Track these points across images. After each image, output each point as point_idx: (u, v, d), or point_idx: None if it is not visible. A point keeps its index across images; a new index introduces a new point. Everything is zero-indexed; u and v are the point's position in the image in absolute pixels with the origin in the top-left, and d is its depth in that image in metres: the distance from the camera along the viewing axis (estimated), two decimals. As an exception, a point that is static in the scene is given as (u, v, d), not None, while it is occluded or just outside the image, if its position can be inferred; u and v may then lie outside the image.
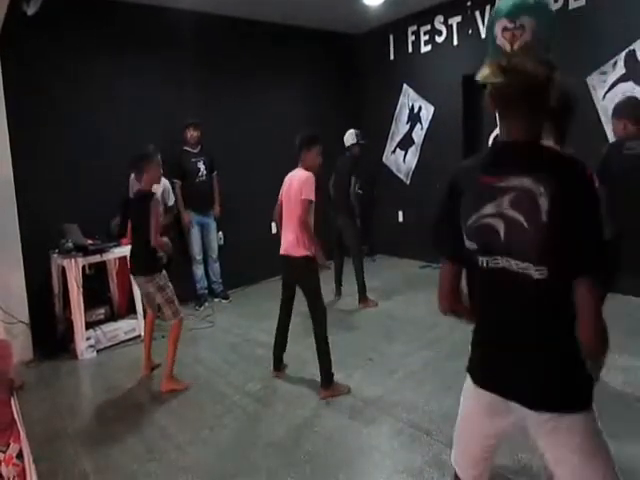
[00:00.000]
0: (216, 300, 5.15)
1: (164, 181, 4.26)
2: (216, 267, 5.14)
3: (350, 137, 4.82)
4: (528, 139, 1.08)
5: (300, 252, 3.00)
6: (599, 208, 1.03)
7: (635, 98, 2.91)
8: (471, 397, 1.27)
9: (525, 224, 1.05)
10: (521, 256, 1.08)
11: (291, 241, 3.03)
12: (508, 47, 1.03)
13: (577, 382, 1.11)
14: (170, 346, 3.27)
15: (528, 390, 1.13)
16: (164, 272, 3.27)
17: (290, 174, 3.15)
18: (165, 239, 3.24)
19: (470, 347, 1.29)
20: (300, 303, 3.28)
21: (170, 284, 3.26)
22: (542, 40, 1.03)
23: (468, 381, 1.29)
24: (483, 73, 1.06)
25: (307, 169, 3.06)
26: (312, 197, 2.96)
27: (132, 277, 3.53)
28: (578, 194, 1.02)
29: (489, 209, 1.11)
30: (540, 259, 1.05)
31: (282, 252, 3.11)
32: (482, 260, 1.16)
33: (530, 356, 1.13)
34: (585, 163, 1.04)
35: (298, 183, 3.01)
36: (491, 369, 1.21)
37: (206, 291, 5.10)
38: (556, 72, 1.05)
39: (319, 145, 3.10)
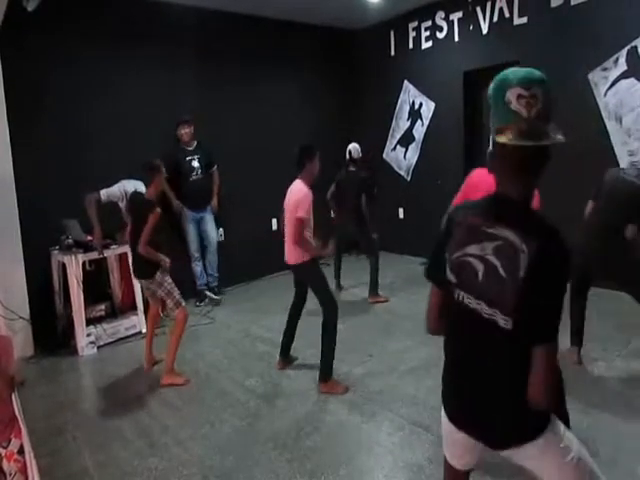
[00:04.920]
0: (208, 293, 5.05)
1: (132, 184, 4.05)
2: (214, 260, 5.08)
3: (355, 151, 4.84)
4: (523, 198, 1.15)
5: (297, 259, 3.10)
6: (566, 282, 1.11)
7: None
8: (446, 422, 1.36)
9: (502, 272, 1.11)
10: (492, 302, 1.14)
11: (288, 250, 3.15)
12: (525, 113, 1.07)
13: (529, 419, 1.18)
14: (173, 340, 3.28)
15: (486, 432, 1.24)
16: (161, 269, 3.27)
17: (291, 185, 3.16)
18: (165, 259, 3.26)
19: (442, 376, 1.38)
20: (307, 301, 3.34)
21: (168, 277, 3.27)
22: (549, 111, 1.09)
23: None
24: (507, 135, 1.08)
25: (309, 178, 3.11)
26: (305, 215, 2.97)
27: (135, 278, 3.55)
28: (555, 263, 1.08)
29: (473, 249, 1.18)
30: (508, 309, 1.11)
31: (285, 259, 3.21)
32: (458, 294, 1.23)
33: (486, 399, 1.22)
34: (563, 235, 1.10)
35: (295, 199, 3.03)
36: (456, 407, 1.32)
37: (206, 287, 5.09)
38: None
39: (317, 153, 3.15)
